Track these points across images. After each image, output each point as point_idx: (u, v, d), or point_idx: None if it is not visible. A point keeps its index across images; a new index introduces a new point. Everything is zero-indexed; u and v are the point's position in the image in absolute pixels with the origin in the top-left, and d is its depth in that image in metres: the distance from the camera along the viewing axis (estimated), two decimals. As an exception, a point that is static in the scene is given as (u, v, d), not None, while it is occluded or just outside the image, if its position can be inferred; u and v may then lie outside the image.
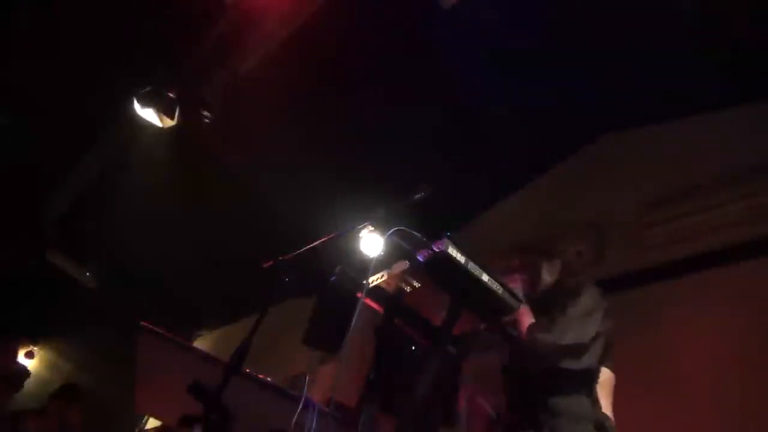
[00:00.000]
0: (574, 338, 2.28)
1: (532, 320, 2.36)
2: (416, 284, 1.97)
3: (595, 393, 2.36)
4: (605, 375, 2.46)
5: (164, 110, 4.11)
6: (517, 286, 2.49)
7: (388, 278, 1.97)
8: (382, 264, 2.01)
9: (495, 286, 1.93)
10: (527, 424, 2.28)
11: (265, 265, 2.13)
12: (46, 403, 5.03)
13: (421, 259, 1.89)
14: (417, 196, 2.25)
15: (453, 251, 1.84)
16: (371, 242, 2.44)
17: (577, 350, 2.29)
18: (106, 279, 6.48)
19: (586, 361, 2.30)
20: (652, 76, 3.75)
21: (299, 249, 2.18)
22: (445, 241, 1.84)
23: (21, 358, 7.15)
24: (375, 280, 1.98)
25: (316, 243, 2.19)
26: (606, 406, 2.40)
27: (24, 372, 5.80)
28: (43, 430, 4.84)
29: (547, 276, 2.63)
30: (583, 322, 2.33)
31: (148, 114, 4.16)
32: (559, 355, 2.27)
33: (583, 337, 2.30)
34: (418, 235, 1.92)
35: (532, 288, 2.56)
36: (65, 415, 4.95)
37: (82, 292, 6.48)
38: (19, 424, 4.81)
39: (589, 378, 2.36)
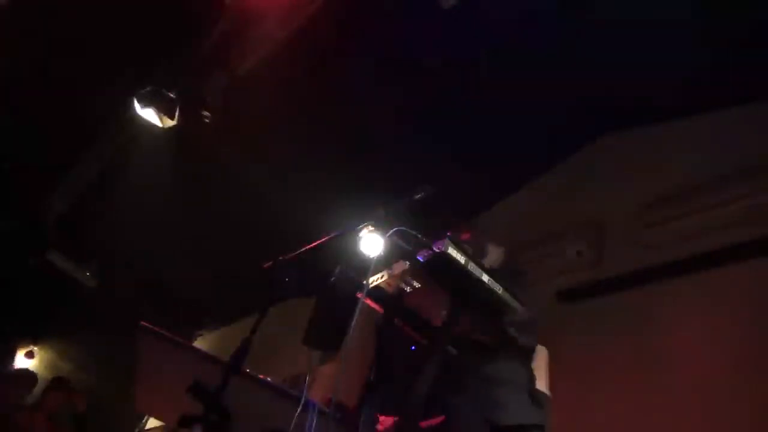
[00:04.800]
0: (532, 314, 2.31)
1: None
2: (416, 284, 1.97)
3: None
4: (543, 353, 2.53)
5: (164, 110, 4.11)
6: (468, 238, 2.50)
7: (388, 278, 1.97)
8: (382, 264, 2.01)
9: (495, 286, 1.94)
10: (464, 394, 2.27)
11: (265, 266, 2.13)
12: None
13: (421, 259, 1.89)
14: (417, 196, 2.25)
15: (453, 251, 1.84)
16: (371, 242, 2.44)
17: (532, 325, 2.32)
18: (106, 279, 6.49)
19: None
20: (651, 76, 3.75)
21: (299, 249, 2.18)
22: (445, 241, 1.84)
23: (21, 358, 7.20)
24: (375, 280, 1.98)
25: (316, 243, 2.19)
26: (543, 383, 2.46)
27: None
28: (35, 421, 4.86)
29: (493, 253, 2.64)
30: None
31: (148, 114, 4.16)
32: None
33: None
34: (418, 235, 1.93)
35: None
36: (56, 405, 4.98)
37: (82, 292, 6.48)
38: (11, 418, 4.83)
39: (530, 352, 2.42)
